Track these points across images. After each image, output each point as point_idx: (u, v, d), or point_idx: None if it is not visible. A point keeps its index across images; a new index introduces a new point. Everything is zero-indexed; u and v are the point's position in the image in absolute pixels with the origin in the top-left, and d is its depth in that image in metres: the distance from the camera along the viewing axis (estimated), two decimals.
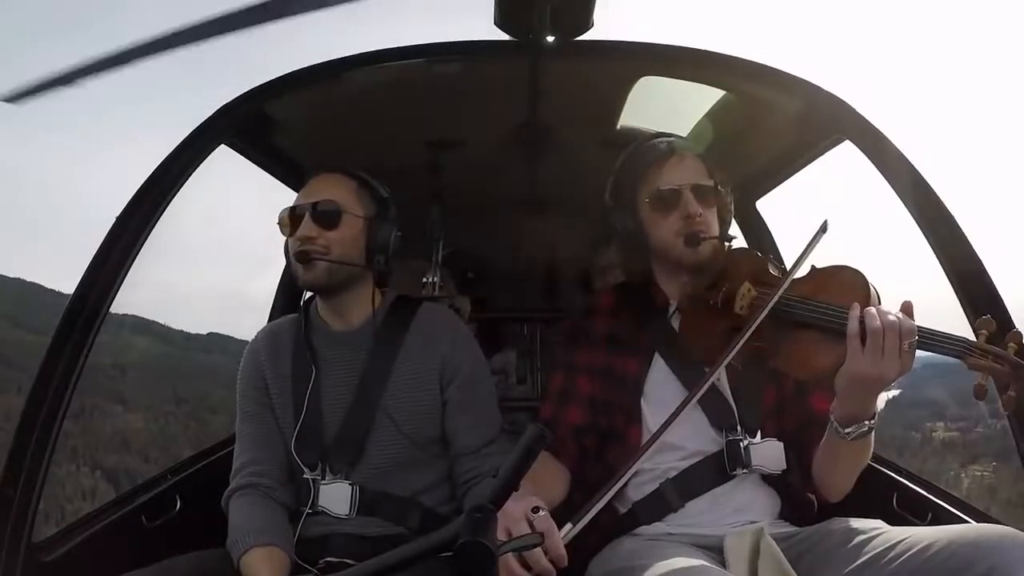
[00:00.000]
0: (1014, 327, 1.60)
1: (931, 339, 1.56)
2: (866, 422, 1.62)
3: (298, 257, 1.92)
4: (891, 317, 1.53)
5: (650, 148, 2.01)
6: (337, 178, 2.03)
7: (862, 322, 1.54)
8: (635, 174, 1.99)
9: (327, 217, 1.95)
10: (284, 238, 2.04)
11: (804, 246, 1.82)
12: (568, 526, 1.41)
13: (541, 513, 1.39)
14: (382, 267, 2.03)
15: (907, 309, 1.57)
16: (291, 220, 1.97)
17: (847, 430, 1.62)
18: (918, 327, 1.54)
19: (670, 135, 2.09)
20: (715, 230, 1.95)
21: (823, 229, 1.81)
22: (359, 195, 2.03)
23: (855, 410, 1.61)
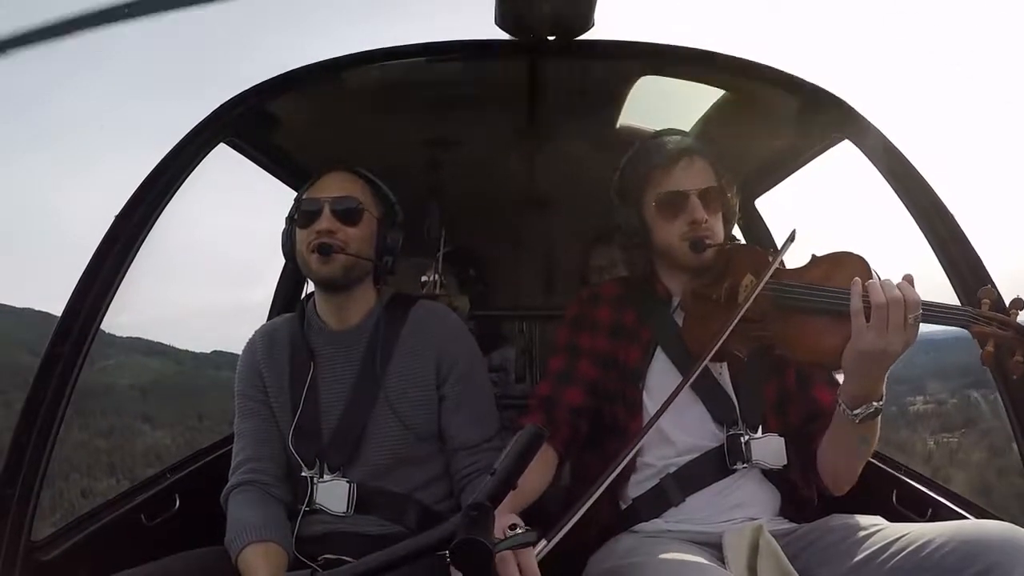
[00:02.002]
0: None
1: (935, 311, 1.56)
2: (874, 403, 1.61)
3: (320, 249, 1.91)
4: (894, 292, 1.53)
5: (660, 147, 1.99)
6: (352, 177, 2.04)
7: (865, 299, 1.54)
8: (643, 173, 1.99)
9: (348, 213, 1.96)
10: (282, 231, 2.07)
11: (777, 253, 1.84)
12: (543, 542, 1.40)
13: (518, 531, 1.38)
14: (389, 268, 2.06)
15: (908, 282, 1.56)
16: (305, 212, 1.97)
17: (855, 411, 1.61)
18: (922, 300, 1.54)
19: (678, 131, 2.10)
20: (720, 236, 1.95)
21: (791, 239, 1.83)
22: (373, 196, 2.05)
23: (863, 390, 1.60)
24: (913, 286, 1.56)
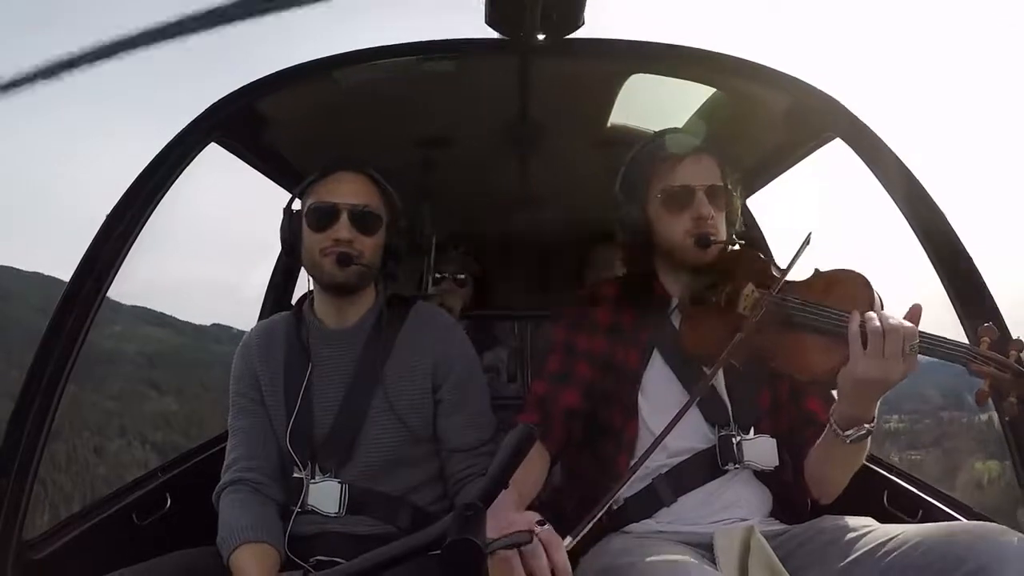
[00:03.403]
0: (1002, 321, 1.61)
1: (935, 345, 1.57)
2: (865, 425, 1.62)
3: (339, 259, 1.91)
4: (892, 320, 1.54)
5: (667, 143, 1.99)
6: (367, 181, 2.03)
7: (863, 325, 1.55)
8: (649, 168, 1.98)
9: (367, 222, 1.96)
10: (281, 223, 2.05)
11: (791, 258, 1.82)
12: (568, 538, 1.40)
13: (546, 526, 1.38)
14: (393, 273, 2.06)
15: (914, 313, 1.58)
16: (321, 212, 1.95)
17: (847, 432, 1.63)
18: (922, 332, 1.55)
19: (680, 130, 2.11)
20: (724, 233, 1.95)
21: (807, 241, 1.82)
22: (384, 202, 2.04)
23: (856, 412, 1.62)
24: (918, 318, 1.57)
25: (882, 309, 1.64)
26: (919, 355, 1.56)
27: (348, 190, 1.97)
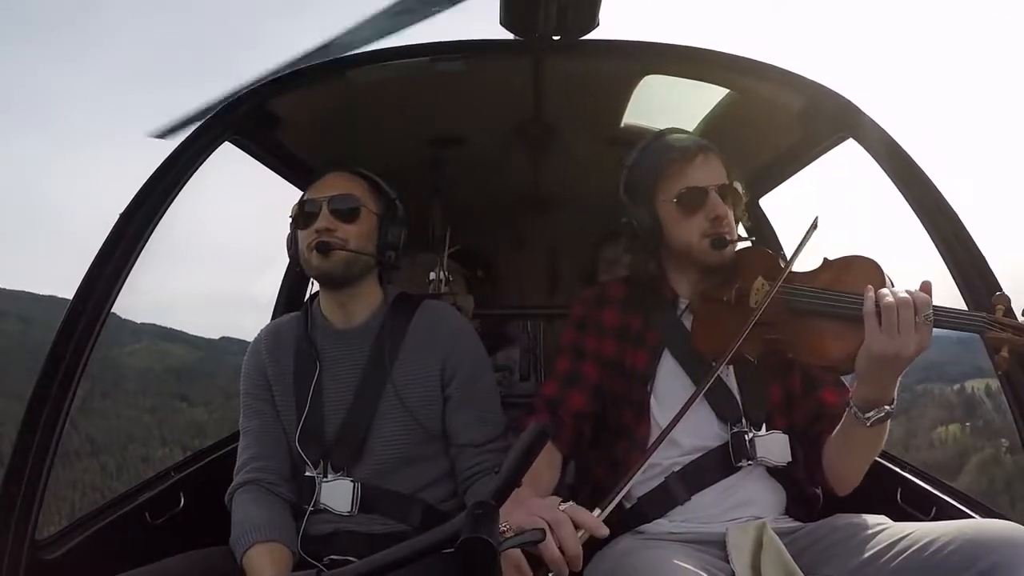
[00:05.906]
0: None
1: (950, 317, 1.56)
2: (886, 407, 1.61)
3: (318, 247, 1.93)
4: (903, 293, 1.53)
5: (672, 144, 1.97)
6: (351, 176, 2.06)
7: (876, 302, 1.54)
8: (657, 170, 1.95)
9: (345, 210, 1.98)
10: (287, 235, 2.07)
11: (798, 242, 1.83)
12: (597, 510, 1.42)
13: (569, 503, 1.41)
14: (392, 263, 2.06)
15: (925, 288, 1.56)
16: (306, 213, 1.99)
17: (867, 415, 1.61)
18: (936, 306, 1.54)
19: (682, 130, 2.09)
20: (735, 232, 1.94)
21: (814, 226, 1.82)
22: (372, 193, 2.06)
23: (876, 393, 1.60)
24: (930, 293, 1.56)
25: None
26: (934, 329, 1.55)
27: (329, 185, 2.02)
